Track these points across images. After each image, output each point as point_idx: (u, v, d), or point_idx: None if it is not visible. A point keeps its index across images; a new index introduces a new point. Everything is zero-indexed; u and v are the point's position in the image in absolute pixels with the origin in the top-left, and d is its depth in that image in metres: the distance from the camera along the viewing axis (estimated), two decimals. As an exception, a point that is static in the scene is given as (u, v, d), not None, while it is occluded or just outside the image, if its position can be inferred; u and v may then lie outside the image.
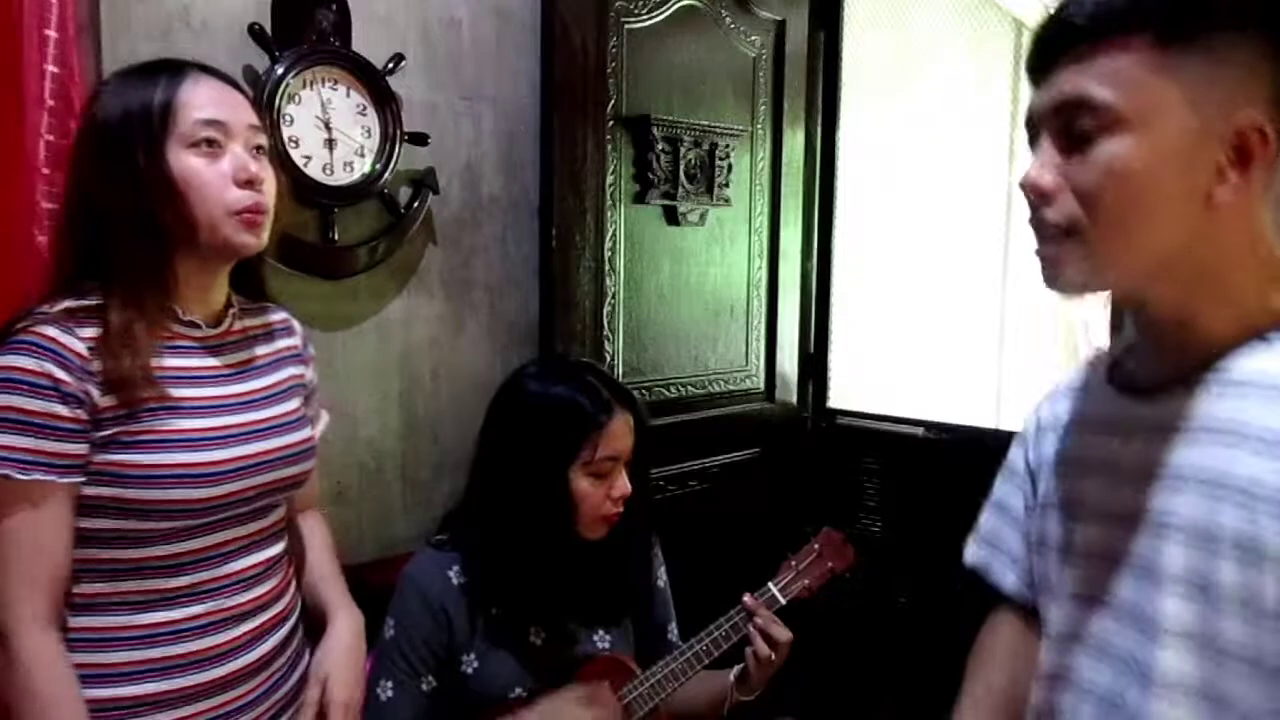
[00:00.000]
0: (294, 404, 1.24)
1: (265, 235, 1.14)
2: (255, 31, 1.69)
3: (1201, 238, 0.75)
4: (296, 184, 1.75)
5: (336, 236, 1.83)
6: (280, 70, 1.70)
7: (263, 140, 1.14)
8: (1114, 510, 0.82)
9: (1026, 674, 0.91)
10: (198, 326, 1.15)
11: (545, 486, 1.37)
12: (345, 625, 1.27)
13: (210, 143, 1.08)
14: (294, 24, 1.74)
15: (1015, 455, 1.00)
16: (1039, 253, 0.79)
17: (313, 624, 1.29)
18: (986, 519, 1.02)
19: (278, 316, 1.29)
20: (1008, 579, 0.97)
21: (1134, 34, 0.73)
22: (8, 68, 1.45)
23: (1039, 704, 0.87)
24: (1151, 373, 0.82)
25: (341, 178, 1.82)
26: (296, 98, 1.75)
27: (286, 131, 1.73)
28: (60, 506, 1.03)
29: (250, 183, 1.09)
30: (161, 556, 1.09)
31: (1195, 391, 0.77)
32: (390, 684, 1.37)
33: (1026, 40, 3.72)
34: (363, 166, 1.85)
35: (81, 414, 1.02)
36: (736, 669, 1.45)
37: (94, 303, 1.06)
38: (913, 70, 3.15)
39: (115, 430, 1.05)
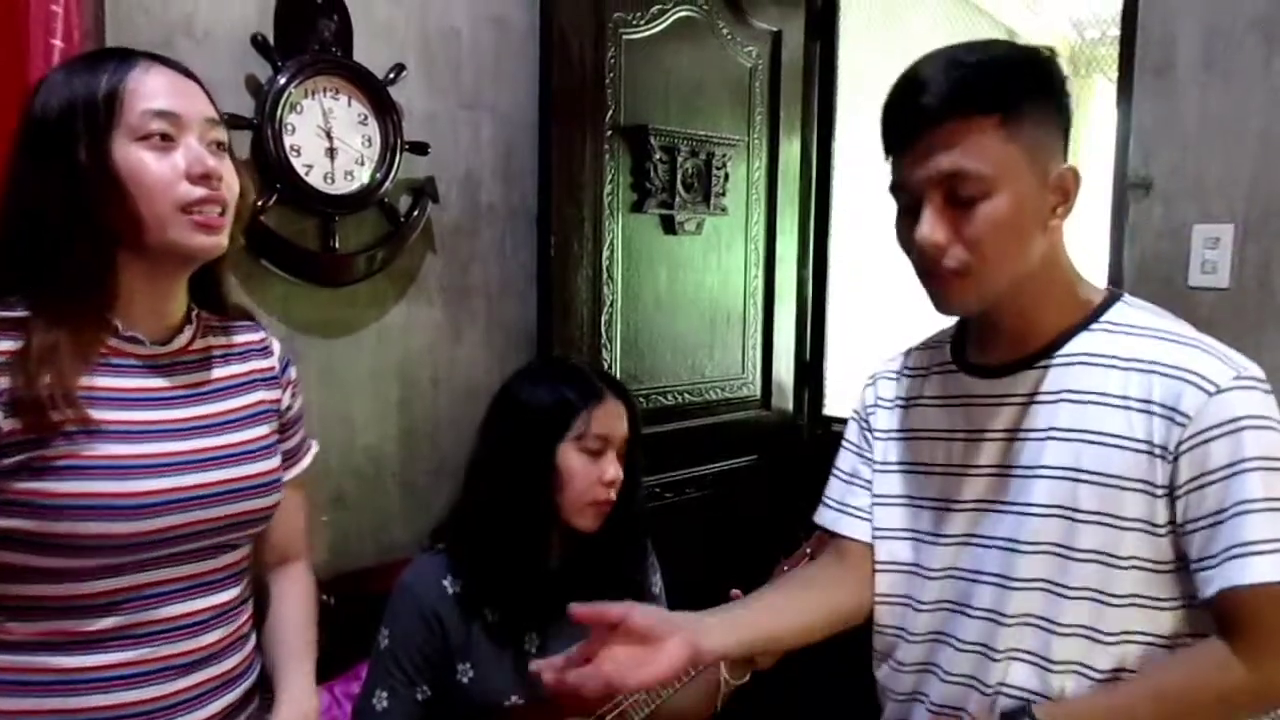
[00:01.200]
0: (259, 431, 1.12)
1: (224, 238, 1.02)
2: (258, 41, 1.70)
3: (1040, 257, 1.00)
4: (297, 192, 1.77)
5: (337, 244, 1.85)
6: (282, 80, 1.72)
7: (222, 135, 1.04)
8: (978, 463, 1.07)
9: (831, 596, 1.17)
10: (140, 343, 1.04)
11: (533, 461, 1.39)
12: (296, 704, 1.13)
13: (162, 136, 0.98)
14: (296, 34, 1.75)
15: (853, 431, 1.25)
16: (932, 289, 1.02)
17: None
18: (834, 486, 1.25)
19: (254, 336, 1.18)
20: (858, 530, 1.20)
21: (985, 114, 0.94)
22: (14, 76, 1.46)
23: (920, 629, 1.11)
24: (999, 358, 1.07)
25: (342, 186, 1.83)
26: (298, 107, 1.76)
27: (288, 140, 1.74)
28: None
29: (206, 177, 0.99)
30: (85, 594, 0.97)
31: (1040, 370, 1.04)
32: (385, 693, 1.37)
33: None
34: (363, 175, 1.86)
35: None
36: None
37: (18, 314, 0.96)
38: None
39: (25, 455, 0.94)
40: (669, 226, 2.37)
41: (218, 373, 1.11)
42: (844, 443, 1.26)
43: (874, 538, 1.17)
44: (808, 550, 1.50)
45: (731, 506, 2.55)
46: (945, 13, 3.38)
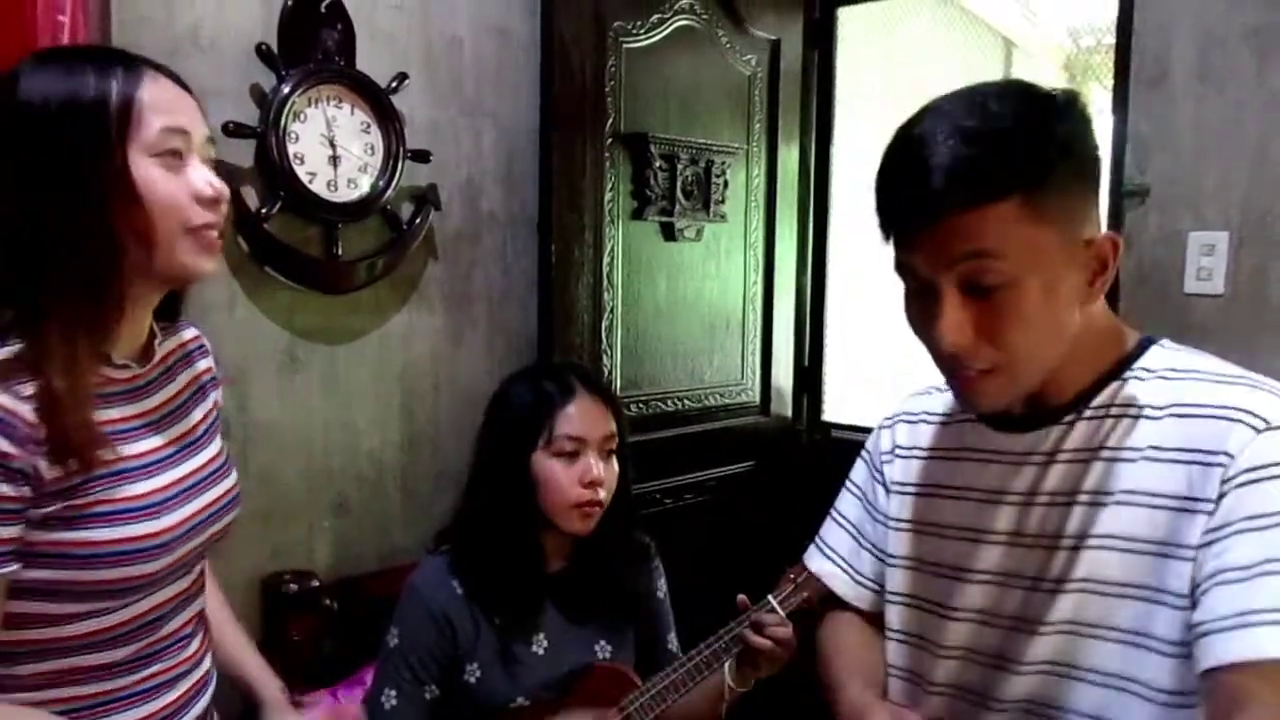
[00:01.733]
0: (219, 443, 1.09)
1: (219, 257, 1.00)
2: (262, 51, 1.72)
3: (1076, 330, 0.88)
4: (301, 200, 1.78)
5: (340, 251, 1.86)
6: (286, 89, 1.73)
7: (213, 152, 1.00)
8: (994, 528, 0.95)
9: (869, 656, 1.08)
10: (128, 367, 0.99)
11: (510, 473, 1.40)
12: (279, 700, 1.16)
13: (174, 153, 0.93)
14: (300, 44, 1.77)
15: (860, 474, 1.14)
16: (959, 388, 0.90)
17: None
18: (830, 531, 1.17)
19: (190, 334, 1.12)
20: (848, 591, 1.13)
21: (1005, 197, 0.80)
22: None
23: (932, 710, 0.99)
24: (1023, 410, 0.94)
25: (345, 194, 1.85)
26: (302, 115, 1.78)
27: (292, 148, 1.76)
28: (1, 603, 0.88)
29: (215, 202, 0.96)
30: (102, 630, 0.95)
31: (1066, 425, 0.92)
32: (394, 692, 1.38)
33: (1015, 57, 3.78)
34: (366, 183, 1.88)
35: (26, 491, 0.86)
36: (729, 661, 1.45)
37: (23, 351, 0.88)
38: (904, 88, 3.19)
39: (60, 506, 0.89)
40: (669, 233, 2.39)
41: (180, 384, 1.07)
42: (849, 484, 1.16)
43: (887, 603, 1.06)
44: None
45: (731, 512, 2.56)
46: (942, 21, 3.41)
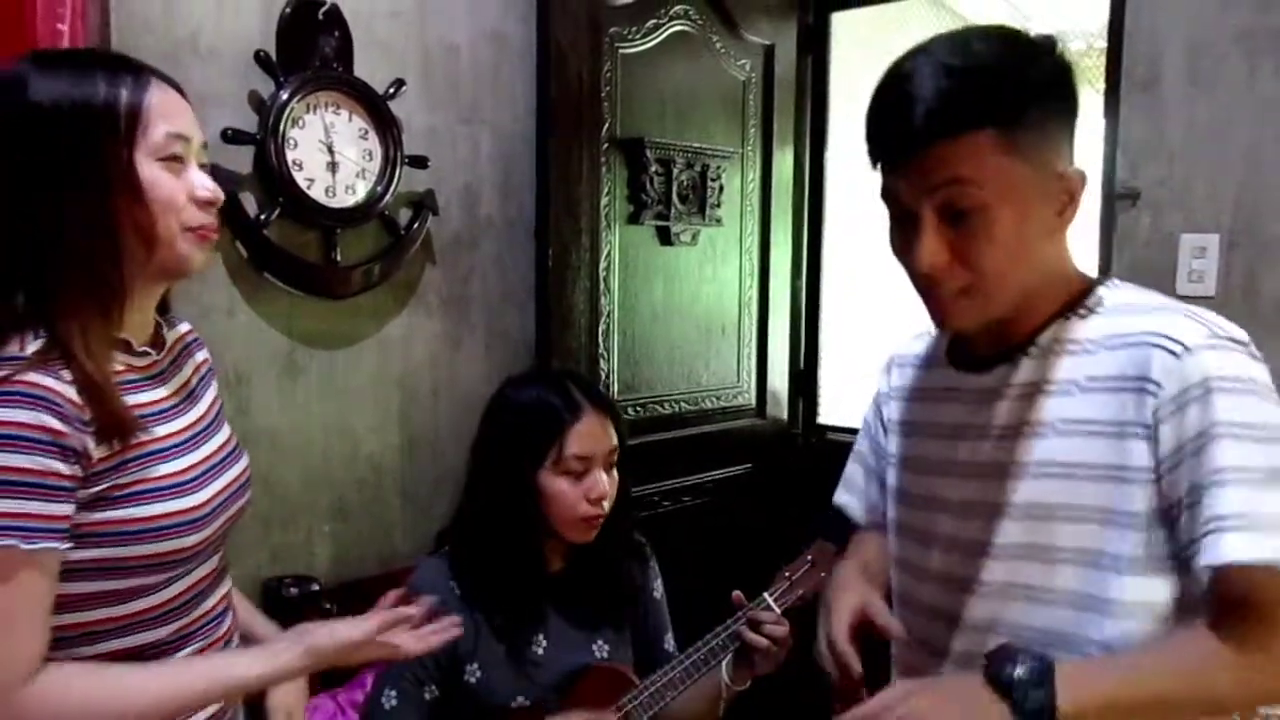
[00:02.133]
0: (228, 428, 1.15)
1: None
2: (260, 58, 1.73)
3: (1045, 260, 0.95)
4: (300, 206, 1.79)
5: (338, 257, 1.87)
6: (285, 95, 1.74)
7: (206, 158, 1.06)
8: (958, 459, 1.03)
9: (874, 553, 1.19)
10: (148, 354, 1.05)
11: (517, 490, 1.41)
12: (284, 693, 1.19)
13: (175, 157, 0.99)
14: (298, 50, 1.78)
15: (870, 415, 1.24)
16: (934, 307, 0.96)
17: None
18: (849, 467, 1.27)
19: (185, 328, 1.17)
20: (862, 516, 1.24)
21: (978, 129, 0.87)
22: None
23: (918, 632, 1.08)
24: (984, 351, 1.02)
25: (343, 200, 1.86)
26: (300, 122, 1.79)
27: (290, 155, 1.77)
28: (56, 578, 0.92)
29: (210, 204, 1.02)
30: (150, 609, 1.00)
31: (1020, 361, 0.98)
32: (394, 692, 1.39)
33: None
34: (364, 188, 1.89)
35: (78, 470, 0.91)
36: (727, 660, 1.47)
37: (48, 340, 0.93)
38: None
39: (106, 485, 0.94)
40: (665, 238, 2.40)
41: (187, 372, 1.12)
42: (864, 422, 1.25)
43: (889, 531, 1.16)
44: (809, 558, 1.53)
45: (727, 514, 2.57)
46: (935, 25, 3.43)
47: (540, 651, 1.44)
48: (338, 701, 1.66)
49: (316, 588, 1.80)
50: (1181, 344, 0.87)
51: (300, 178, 1.79)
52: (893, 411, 1.16)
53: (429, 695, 1.40)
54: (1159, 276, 1.99)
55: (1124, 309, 0.95)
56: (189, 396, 1.09)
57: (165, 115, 0.98)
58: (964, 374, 1.05)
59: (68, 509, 0.91)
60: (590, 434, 1.42)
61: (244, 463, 1.14)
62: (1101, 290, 0.98)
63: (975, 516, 1.00)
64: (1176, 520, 0.87)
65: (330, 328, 1.90)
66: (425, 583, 1.44)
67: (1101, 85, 2.12)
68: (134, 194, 0.96)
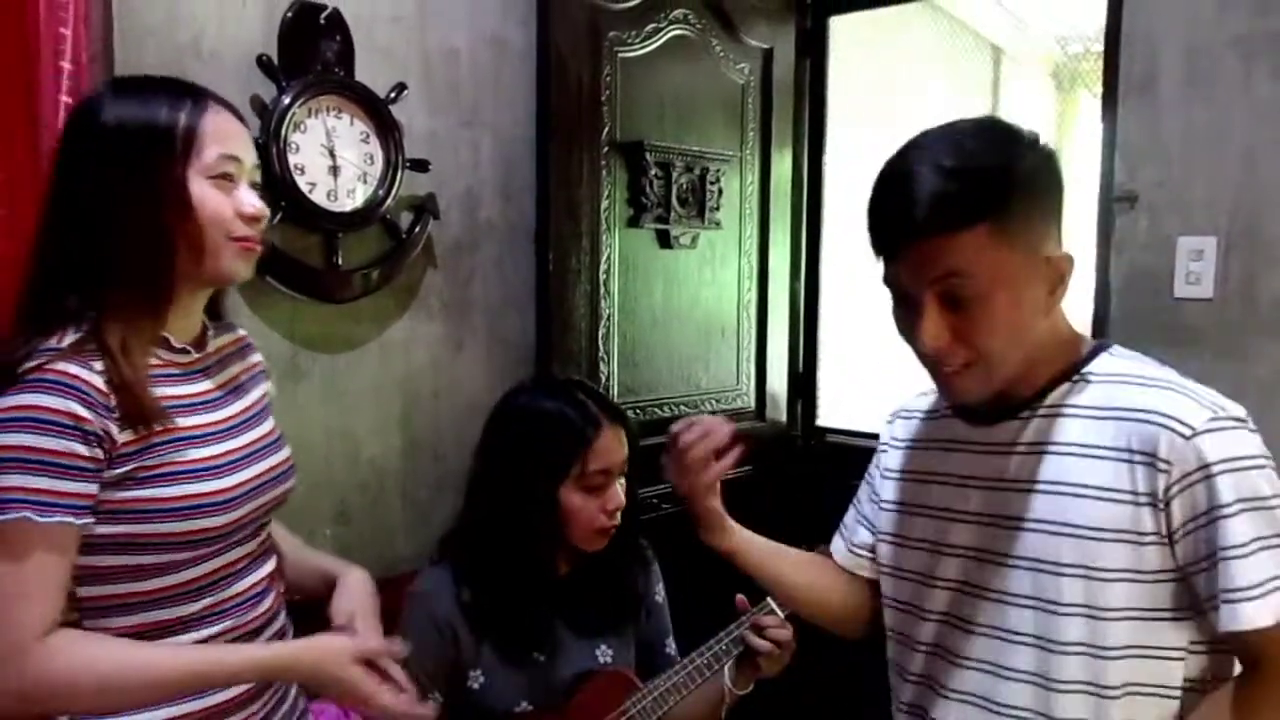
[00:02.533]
0: (272, 422, 1.24)
1: (255, 265, 1.16)
2: (263, 62, 1.73)
3: (1039, 334, 1.03)
4: (301, 210, 1.80)
5: (340, 261, 1.87)
6: (287, 100, 1.75)
7: (258, 176, 1.17)
8: (967, 509, 1.11)
9: (826, 586, 1.31)
10: (187, 352, 1.14)
11: (537, 505, 1.41)
12: (360, 574, 1.28)
13: (226, 175, 1.09)
14: (300, 55, 1.79)
15: (872, 465, 1.30)
16: (940, 382, 1.05)
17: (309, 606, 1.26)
18: (848, 516, 1.33)
19: (239, 334, 1.28)
20: (845, 560, 1.31)
21: (975, 225, 0.95)
22: (24, 99, 1.49)
23: (918, 672, 1.15)
24: (990, 405, 1.08)
25: (345, 203, 1.87)
26: (302, 126, 1.79)
27: (292, 159, 1.77)
28: (73, 551, 1.00)
29: (255, 220, 1.11)
30: (176, 585, 1.08)
31: (1024, 420, 1.07)
32: None
33: (1004, 65, 3.82)
34: (366, 192, 1.89)
35: (100, 453, 1.00)
36: (729, 664, 1.47)
37: (90, 333, 1.03)
38: (895, 95, 3.22)
39: (132, 467, 1.03)
40: (664, 241, 2.41)
41: (234, 370, 1.22)
42: (867, 473, 1.31)
43: (880, 573, 1.23)
44: None
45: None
46: (932, 29, 3.44)
47: (543, 657, 1.44)
48: (340, 705, 1.66)
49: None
50: (1190, 427, 0.95)
51: (302, 182, 1.79)
52: (892, 460, 1.23)
53: (434, 702, 1.41)
54: (1157, 279, 2.00)
55: (1124, 379, 1.03)
56: (233, 391, 1.19)
57: (218, 138, 1.08)
58: (972, 427, 1.12)
59: (87, 487, 1.00)
60: (609, 448, 1.44)
61: (283, 454, 1.22)
62: (1104, 358, 1.06)
63: (987, 561, 1.08)
64: (1194, 578, 0.97)
65: (332, 331, 1.91)
66: (429, 590, 1.45)
67: (1099, 89, 2.13)
68: (184, 209, 1.06)
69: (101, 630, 1.05)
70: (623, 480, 1.47)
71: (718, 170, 2.49)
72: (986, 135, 1.02)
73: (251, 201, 1.11)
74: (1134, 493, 0.98)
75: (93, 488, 1.00)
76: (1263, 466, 0.96)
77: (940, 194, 0.95)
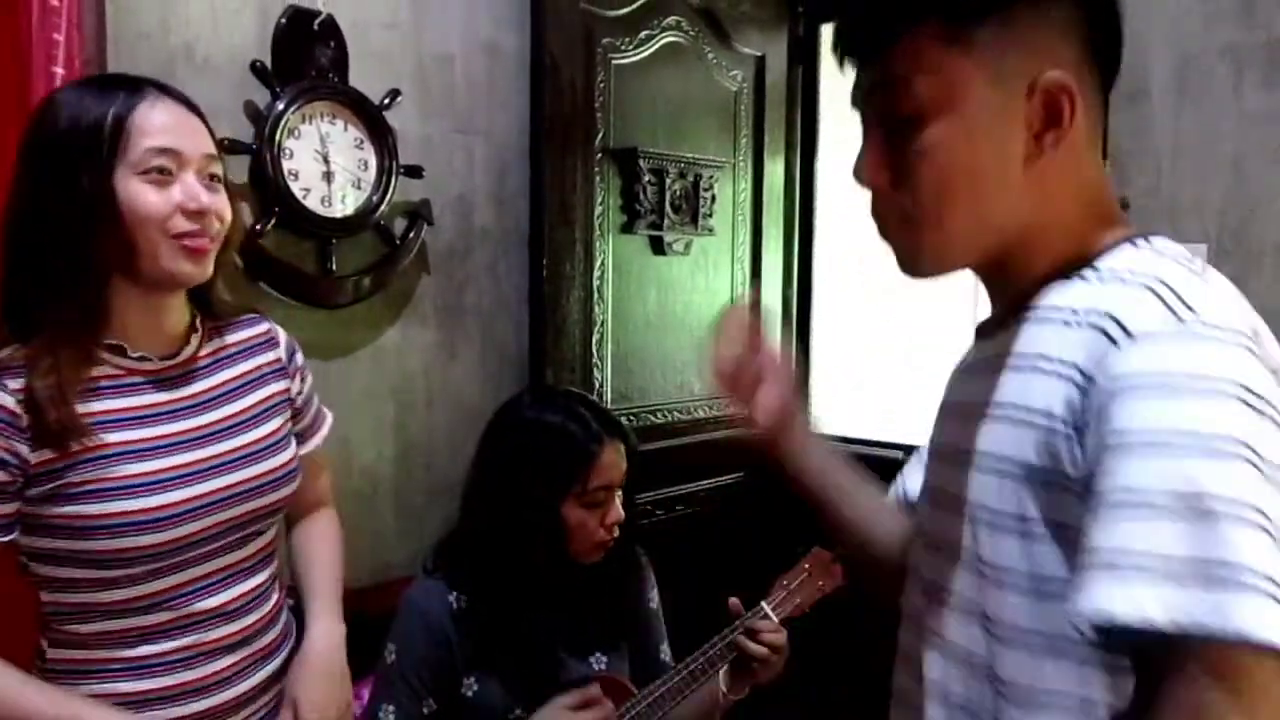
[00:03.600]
0: (273, 425, 1.18)
1: (209, 265, 1.08)
2: (257, 68, 1.73)
3: (1025, 197, 0.76)
4: (295, 215, 1.79)
5: (334, 266, 1.87)
6: (281, 105, 1.74)
7: (218, 168, 1.08)
8: (944, 447, 0.87)
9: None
10: (148, 360, 1.09)
11: (539, 520, 1.41)
12: (320, 640, 1.20)
13: (161, 170, 1.02)
14: (294, 61, 1.78)
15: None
16: (885, 239, 0.81)
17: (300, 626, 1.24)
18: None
19: (258, 330, 1.22)
20: (897, 490, 1.06)
21: (921, 21, 0.74)
22: (17, 105, 1.48)
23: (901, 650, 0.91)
24: (990, 316, 0.85)
25: (339, 209, 1.86)
26: (296, 132, 1.79)
27: (286, 165, 1.77)
28: None
29: (198, 214, 1.03)
30: (133, 598, 1.05)
31: (1011, 328, 0.79)
32: (392, 707, 1.39)
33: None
34: (359, 198, 1.89)
35: (6, 476, 0.99)
36: (724, 669, 1.48)
37: (23, 350, 1.01)
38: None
39: (56, 484, 1.00)
40: (658, 247, 2.42)
41: (227, 374, 1.16)
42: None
43: None
44: (806, 567, 1.53)
45: (721, 523, 2.58)
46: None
47: (539, 666, 1.44)
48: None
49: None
50: (1129, 333, 0.67)
51: (296, 187, 1.79)
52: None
53: (427, 710, 1.40)
54: (1148, 286, 2.01)
55: (1116, 276, 0.73)
56: (215, 399, 1.13)
57: (150, 131, 1.01)
58: (975, 342, 0.88)
59: (3, 506, 1.00)
60: (611, 464, 1.44)
61: (273, 461, 1.15)
62: (1125, 249, 0.76)
63: (937, 507, 0.85)
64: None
65: (325, 337, 1.90)
66: (423, 597, 1.45)
67: (1090, 96, 2.14)
68: (107, 209, 0.99)
69: (68, 634, 1.06)
70: (620, 494, 1.47)
71: (711, 176, 2.50)
72: None
73: (193, 195, 1.03)
74: (1049, 415, 0.70)
75: (7, 507, 1.00)
76: (1227, 396, 0.62)
77: None
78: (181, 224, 1.02)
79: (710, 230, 2.52)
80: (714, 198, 2.52)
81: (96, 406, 1.03)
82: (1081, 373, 0.68)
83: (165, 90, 1.06)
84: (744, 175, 2.64)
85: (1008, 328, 0.80)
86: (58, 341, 1.00)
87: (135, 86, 1.04)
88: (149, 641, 1.07)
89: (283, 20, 1.77)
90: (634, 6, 2.30)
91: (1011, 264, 0.80)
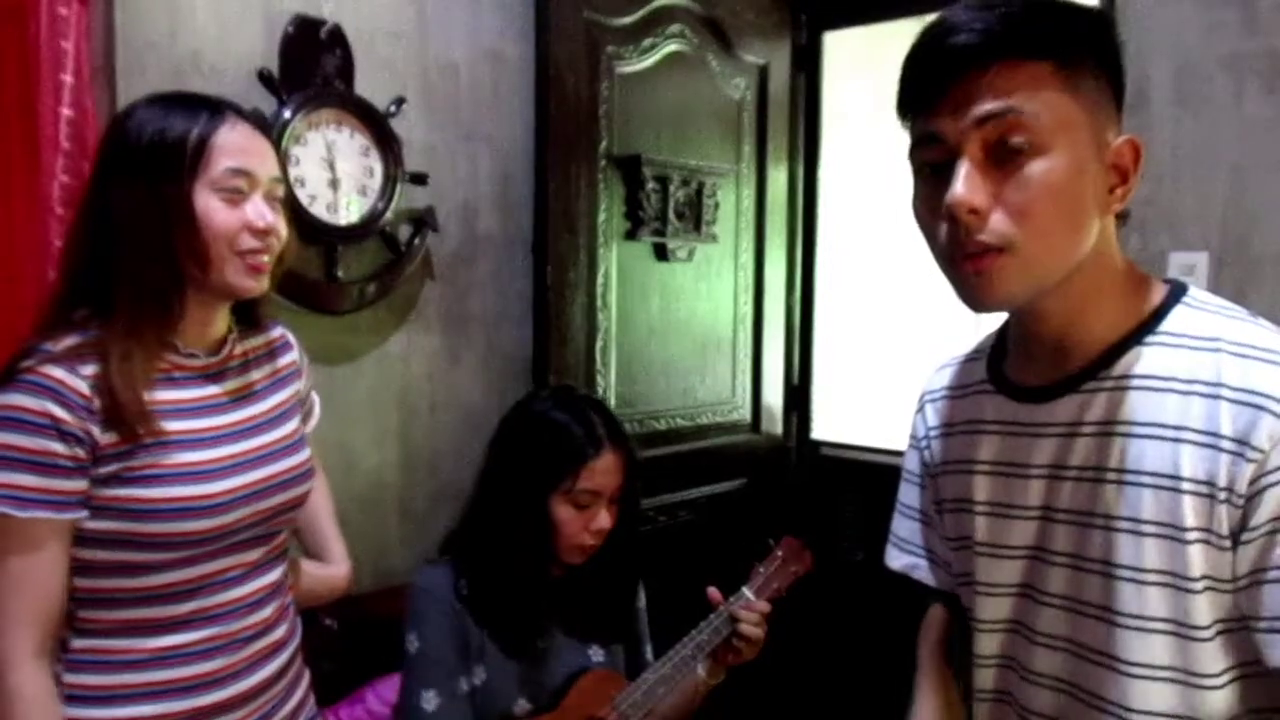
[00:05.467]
0: (293, 425, 1.25)
1: (266, 280, 1.16)
2: (264, 76, 1.74)
3: (1098, 244, 0.83)
4: (301, 223, 1.80)
5: (339, 273, 1.88)
6: (287, 113, 1.76)
7: (280, 191, 1.16)
8: (1025, 503, 0.91)
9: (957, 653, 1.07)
10: (197, 357, 1.16)
11: (527, 507, 1.43)
12: (345, 563, 1.40)
13: (236, 190, 1.10)
14: (300, 68, 1.80)
15: (912, 461, 1.10)
16: (965, 270, 0.81)
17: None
18: (901, 524, 1.12)
19: (276, 333, 1.30)
20: (934, 577, 1.09)
21: (1039, 59, 0.78)
22: (24, 111, 1.50)
23: (989, 688, 0.98)
24: (1036, 379, 0.90)
25: (345, 216, 1.87)
26: (302, 139, 1.80)
27: (293, 172, 1.78)
28: (58, 542, 1.04)
29: (264, 232, 1.12)
30: (164, 585, 1.10)
31: (1086, 394, 0.86)
32: (432, 692, 1.38)
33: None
34: (365, 205, 1.90)
35: (80, 452, 1.03)
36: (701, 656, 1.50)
37: (96, 337, 1.07)
38: (888, 111, 3.24)
39: (118, 466, 1.06)
40: (661, 254, 2.43)
41: (256, 374, 1.23)
42: (905, 474, 1.12)
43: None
44: (779, 554, 1.57)
45: (723, 529, 2.58)
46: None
47: (540, 655, 1.46)
48: (339, 716, 1.67)
49: (316, 603, 1.80)
50: None
51: (302, 194, 1.80)
52: (934, 454, 1.04)
53: (467, 686, 1.41)
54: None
55: (1213, 344, 0.82)
56: (247, 396, 1.20)
57: (229, 152, 1.09)
58: (1021, 405, 0.92)
59: (68, 484, 1.04)
60: (605, 471, 1.45)
61: (298, 458, 1.23)
62: (1181, 310, 0.85)
63: (1049, 564, 0.90)
64: (1245, 591, 0.79)
65: (330, 343, 1.91)
66: (433, 583, 1.46)
67: (1091, 106, 2.15)
68: (189, 222, 1.08)
69: (95, 622, 1.09)
70: (615, 506, 1.48)
71: (714, 184, 2.51)
72: None
73: (261, 214, 1.11)
74: (1210, 484, 0.79)
75: (77, 484, 1.04)
76: None
77: (1001, 18, 0.78)
78: (248, 241, 1.11)
79: (713, 237, 2.53)
80: (717, 205, 2.53)
81: (157, 396, 1.10)
82: (1250, 445, 0.77)
83: (241, 113, 1.14)
84: (747, 183, 2.65)
85: (1080, 394, 0.86)
86: (134, 333, 1.07)
87: (217, 108, 1.12)
88: (173, 632, 1.11)
89: (289, 29, 1.79)
90: (638, 15, 2.31)
91: (1072, 318, 0.85)
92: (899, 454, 1.14)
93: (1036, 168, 0.78)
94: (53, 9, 1.49)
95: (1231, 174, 1.94)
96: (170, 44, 1.68)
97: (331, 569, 1.40)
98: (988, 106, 0.78)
